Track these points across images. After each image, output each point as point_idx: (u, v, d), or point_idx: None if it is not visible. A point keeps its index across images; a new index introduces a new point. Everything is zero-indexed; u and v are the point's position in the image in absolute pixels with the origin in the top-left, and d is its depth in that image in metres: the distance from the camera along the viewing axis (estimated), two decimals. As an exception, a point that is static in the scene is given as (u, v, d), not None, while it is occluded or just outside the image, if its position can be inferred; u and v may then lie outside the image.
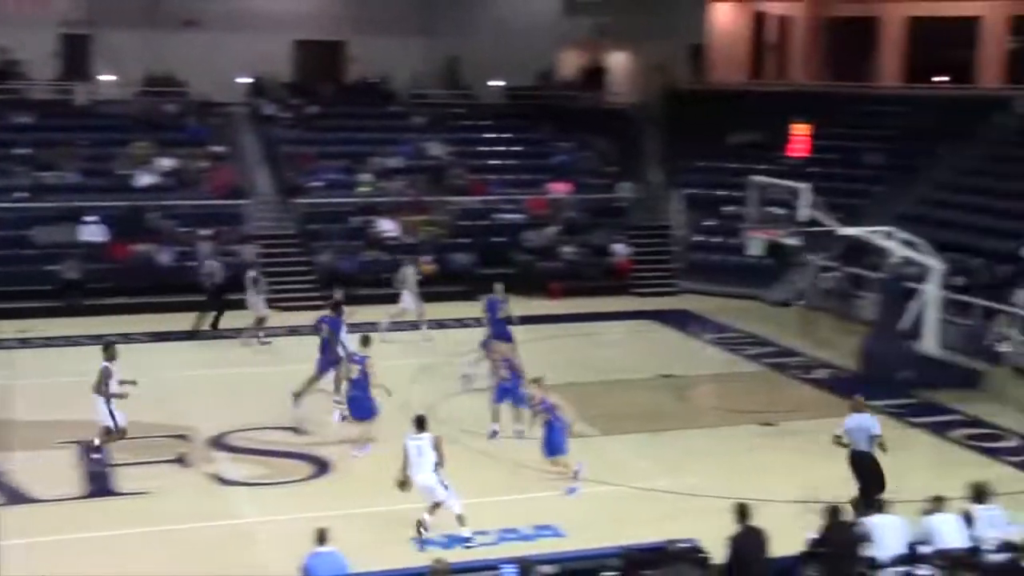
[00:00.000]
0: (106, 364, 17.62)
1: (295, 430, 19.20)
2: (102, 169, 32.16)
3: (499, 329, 22.35)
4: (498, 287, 23.24)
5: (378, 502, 16.01)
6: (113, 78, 35.83)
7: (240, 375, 23.20)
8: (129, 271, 28.82)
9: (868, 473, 15.54)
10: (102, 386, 17.41)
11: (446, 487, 14.91)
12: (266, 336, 25.38)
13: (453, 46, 38.14)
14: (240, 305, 25.85)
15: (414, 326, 25.84)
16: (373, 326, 23.38)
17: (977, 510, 12.73)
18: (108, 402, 17.42)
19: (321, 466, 17.57)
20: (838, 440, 15.98)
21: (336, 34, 38.54)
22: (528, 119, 37.93)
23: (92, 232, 29.24)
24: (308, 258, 30.39)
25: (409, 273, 26.35)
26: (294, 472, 17.33)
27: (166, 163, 32.31)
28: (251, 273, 25.84)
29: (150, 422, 19.28)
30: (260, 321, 25.45)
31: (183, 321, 26.62)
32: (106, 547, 14.54)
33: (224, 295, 26.44)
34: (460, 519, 14.88)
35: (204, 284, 26.81)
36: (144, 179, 31.50)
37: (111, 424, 17.51)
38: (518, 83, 39.19)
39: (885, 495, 13.08)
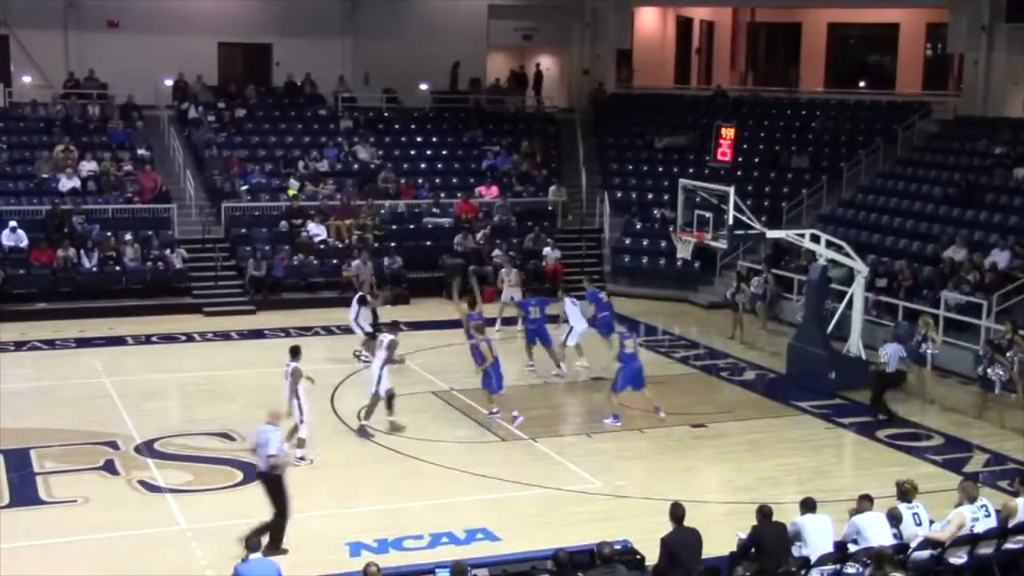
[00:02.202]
0: (393, 338, 19.35)
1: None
2: (23, 173, 31.62)
3: (606, 322, 23.44)
4: (586, 283, 24.41)
5: (310, 508, 15.94)
6: (31, 79, 35.30)
7: (169, 380, 22.93)
8: (51, 276, 28.34)
9: (882, 389, 20.70)
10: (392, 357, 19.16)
11: (302, 414, 17.28)
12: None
13: (380, 49, 38.09)
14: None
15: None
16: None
17: (902, 508, 12.95)
18: (382, 368, 19.00)
19: (252, 472, 17.32)
20: (878, 367, 20.64)
21: (261, 36, 38.25)
22: (456, 123, 38.01)
23: (13, 237, 28.72)
24: (236, 262, 30.10)
25: (512, 273, 27.21)
26: (225, 478, 17.13)
27: (89, 167, 31.86)
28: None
29: (77, 429, 19.05)
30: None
31: (106, 326, 26.47)
32: (33, 557, 14.32)
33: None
34: (300, 441, 17.28)
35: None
36: (66, 183, 31.02)
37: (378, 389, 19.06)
38: (446, 87, 39.23)
39: (816, 496, 13.23)
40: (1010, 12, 33.85)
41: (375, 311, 26.32)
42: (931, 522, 13.03)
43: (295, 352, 17.69)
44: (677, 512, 12.23)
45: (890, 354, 20.55)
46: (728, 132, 24.62)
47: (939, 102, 36.94)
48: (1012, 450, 19.15)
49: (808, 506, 12.74)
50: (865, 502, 12.91)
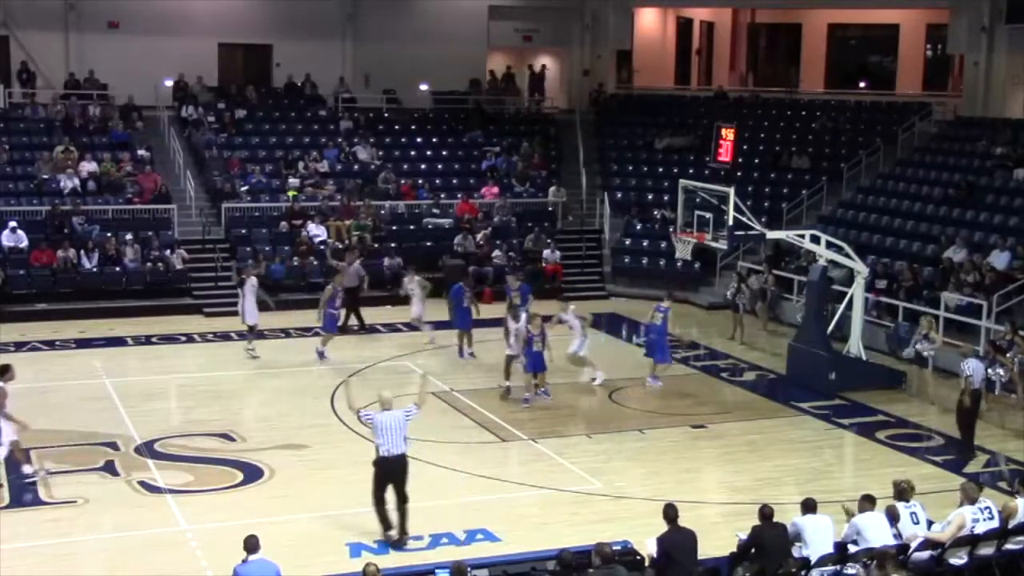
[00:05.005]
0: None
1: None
2: (23, 173, 31.60)
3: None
4: (664, 295, 23.94)
5: (310, 509, 15.95)
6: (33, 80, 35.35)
7: (169, 381, 22.95)
8: (51, 277, 28.29)
9: (973, 413, 18.95)
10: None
11: None
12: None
13: (380, 50, 38.11)
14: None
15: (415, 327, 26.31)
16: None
17: (901, 508, 12.93)
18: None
19: (253, 473, 17.39)
20: (967, 380, 18.77)
21: (261, 37, 38.25)
22: (457, 123, 37.99)
23: (13, 238, 28.71)
24: (236, 263, 30.02)
25: (411, 280, 26.20)
26: (225, 479, 17.14)
27: (89, 167, 31.84)
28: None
29: (77, 429, 19.05)
30: (252, 328, 24.83)
31: (106, 327, 26.48)
32: (34, 558, 14.31)
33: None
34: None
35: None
36: (67, 183, 31.00)
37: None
38: (446, 87, 39.21)
39: (817, 496, 13.22)
40: (1011, 13, 33.85)
41: (359, 313, 26.59)
42: (929, 522, 13.04)
43: (3, 371, 16.97)
44: (670, 512, 12.26)
45: (975, 369, 19.08)
46: (728, 133, 24.59)
47: (939, 103, 36.92)
48: (1012, 451, 19.16)
49: (808, 507, 12.73)
50: (866, 503, 12.90)
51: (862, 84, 42.33)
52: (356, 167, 34.69)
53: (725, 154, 24.65)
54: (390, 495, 14.76)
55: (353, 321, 26.70)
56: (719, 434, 19.95)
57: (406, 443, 14.61)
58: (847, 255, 23.10)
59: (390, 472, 14.63)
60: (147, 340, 25.93)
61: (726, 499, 16.77)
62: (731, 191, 21.80)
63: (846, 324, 23.56)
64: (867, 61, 44.57)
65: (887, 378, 22.86)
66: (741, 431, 20.15)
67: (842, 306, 23.55)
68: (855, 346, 23.21)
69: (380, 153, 35.59)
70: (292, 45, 37.87)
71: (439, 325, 25.62)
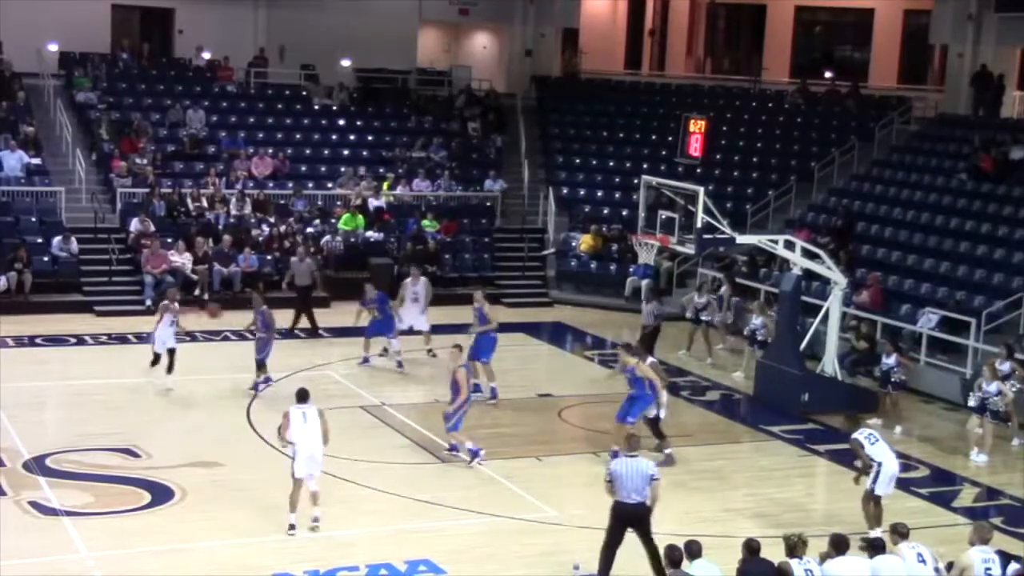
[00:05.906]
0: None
1: None
2: None
3: None
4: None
5: (229, 534, 15.93)
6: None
7: (58, 388, 22.75)
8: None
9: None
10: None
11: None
12: None
13: (296, 20, 37.83)
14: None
15: None
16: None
17: (906, 548, 13.12)
18: None
19: (161, 493, 17.28)
20: None
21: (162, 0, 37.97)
22: (383, 105, 37.86)
23: None
24: (132, 255, 29.70)
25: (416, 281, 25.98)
26: (130, 500, 16.98)
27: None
28: None
29: (-44, 442, 18.81)
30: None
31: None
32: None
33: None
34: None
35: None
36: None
37: None
38: (371, 64, 39.10)
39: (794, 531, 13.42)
40: (1000, 0, 34.28)
41: (312, 315, 27.09)
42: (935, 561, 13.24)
43: None
44: (753, 545, 12.59)
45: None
46: (698, 125, 24.87)
47: (919, 98, 37.52)
48: (1003, 484, 19.60)
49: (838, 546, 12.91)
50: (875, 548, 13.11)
51: (828, 74, 42.35)
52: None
53: (695, 148, 24.88)
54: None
55: (305, 323, 27.19)
56: (681, 459, 20.15)
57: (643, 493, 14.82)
58: (825, 264, 23.44)
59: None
60: (31, 341, 25.61)
61: (690, 531, 16.95)
62: (700, 190, 22.03)
63: (820, 340, 23.90)
64: (836, 49, 45.12)
65: (860, 399, 23.13)
66: (704, 456, 20.42)
67: (816, 321, 23.86)
68: (830, 365, 23.57)
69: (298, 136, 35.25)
70: (197, 10, 37.54)
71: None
